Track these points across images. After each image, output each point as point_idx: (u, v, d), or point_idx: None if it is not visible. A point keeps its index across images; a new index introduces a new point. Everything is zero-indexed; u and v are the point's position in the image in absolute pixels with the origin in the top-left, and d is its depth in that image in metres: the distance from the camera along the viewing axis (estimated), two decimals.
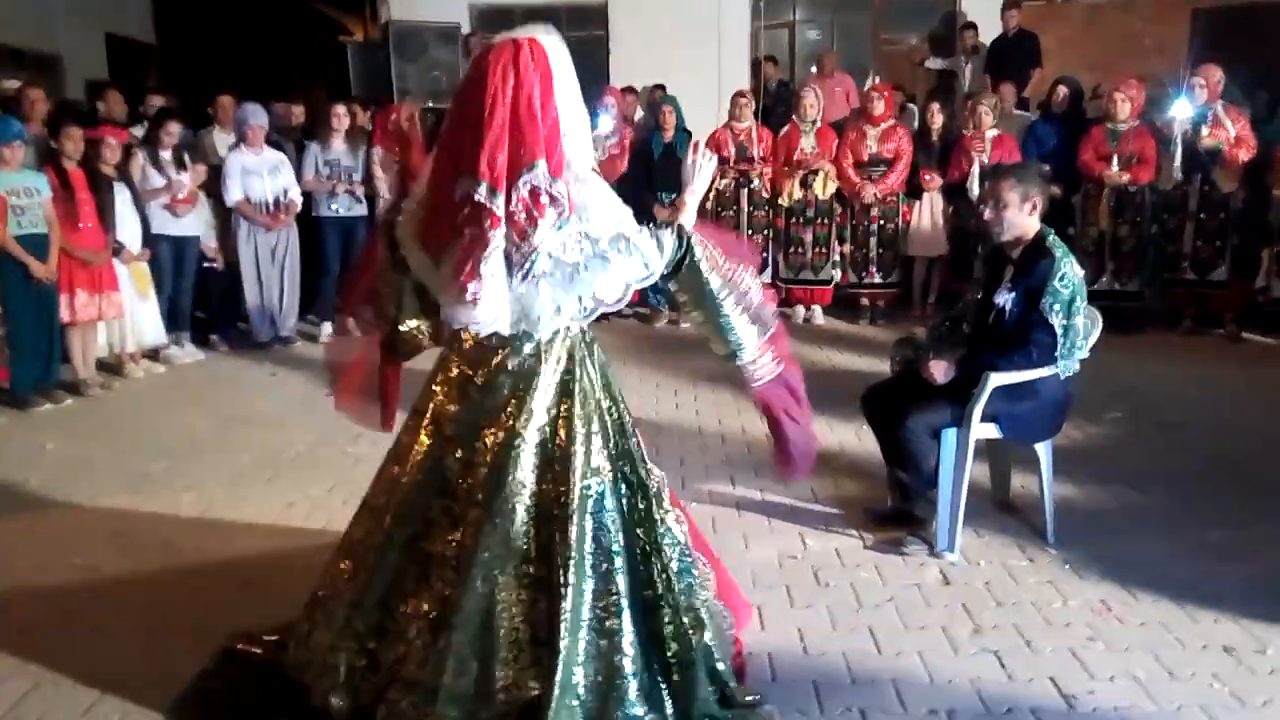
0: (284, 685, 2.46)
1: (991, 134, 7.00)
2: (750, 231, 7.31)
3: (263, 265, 6.64)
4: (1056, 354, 3.28)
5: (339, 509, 3.84)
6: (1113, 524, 3.68)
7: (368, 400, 2.55)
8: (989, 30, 9.28)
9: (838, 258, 7.42)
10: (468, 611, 2.18)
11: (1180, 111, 6.66)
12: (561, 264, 2.14)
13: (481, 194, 2.07)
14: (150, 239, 6.05)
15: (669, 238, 2.28)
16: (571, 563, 2.18)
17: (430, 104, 9.40)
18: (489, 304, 2.14)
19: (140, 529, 3.73)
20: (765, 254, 7.39)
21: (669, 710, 2.29)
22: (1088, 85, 7.81)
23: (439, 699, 2.16)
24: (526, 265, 2.12)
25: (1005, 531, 3.59)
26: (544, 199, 2.08)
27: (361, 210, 7.00)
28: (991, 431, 3.42)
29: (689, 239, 2.31)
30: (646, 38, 9.85)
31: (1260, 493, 3.94)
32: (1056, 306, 3.25)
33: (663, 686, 2.30)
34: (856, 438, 4.52)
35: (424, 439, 2.33)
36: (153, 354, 6.18)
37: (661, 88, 8.37)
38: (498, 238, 2.09)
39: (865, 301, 7.47)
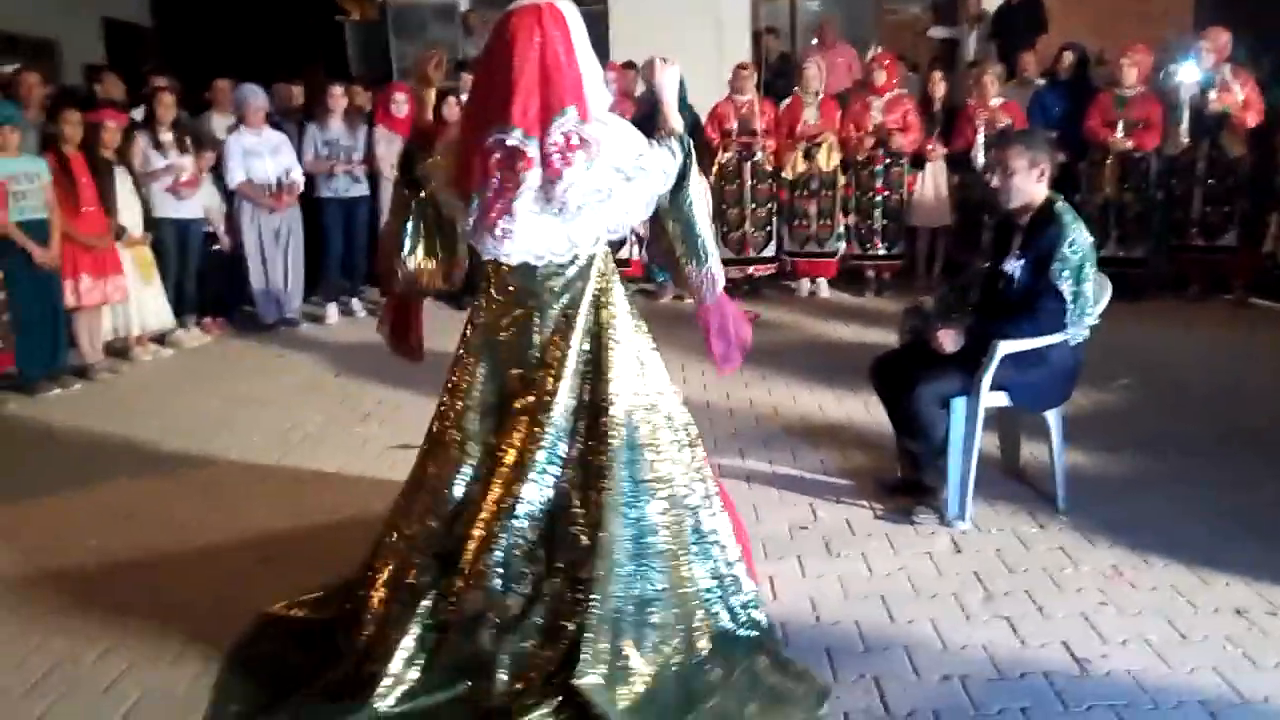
0: (327, 646, 2.56)
1: (996, 102, 6.95)
2: (754, 205, 7.27)
3: (266, 247, 6.63)
4: (1065, 320, 3.27)
5: (349, 487, 3.86)
6: (1123, 490, 3.68)
7: (400, 339, 2.79)
8: None
9: (842, 230, 7.38)
10: (529, 501, 2.39)
11: (1187, 76, 6.60)
12: (597, 193, 2.36)
13: (516, 139, 2.26)
14: (153, 222, 6.04)
15: (675, 144, 2.52)
16: (612, 449, 2.42)
17: None
18: (519, 238, 2.36)
19: (153, 510, 3.75)
20: (770, 227, 7.36)
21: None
22: (1093, 51, 7.74)
23: (505, 585, 2.37)
24: (563, 200, 2.33)
25: (1016, 499, 3.59)
26: (575, 141, 2.29)
27: (362, 190, 6.99)
28: (1001, 400, 3.41)
29: (688, 142, 2.55)
30: (646, 12, 9.72)
31: (1270, 456, 3.93)
32: (1065, 273, 3.23)
33: (688, 569, 2.50)
34: (865, 409, 4.52)
35: (480, 368, 2.53)
36: (160, 338, 6.18)
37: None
38: (531, 178, 2.29)
39: (870, 274, 7.44)
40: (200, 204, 6.36)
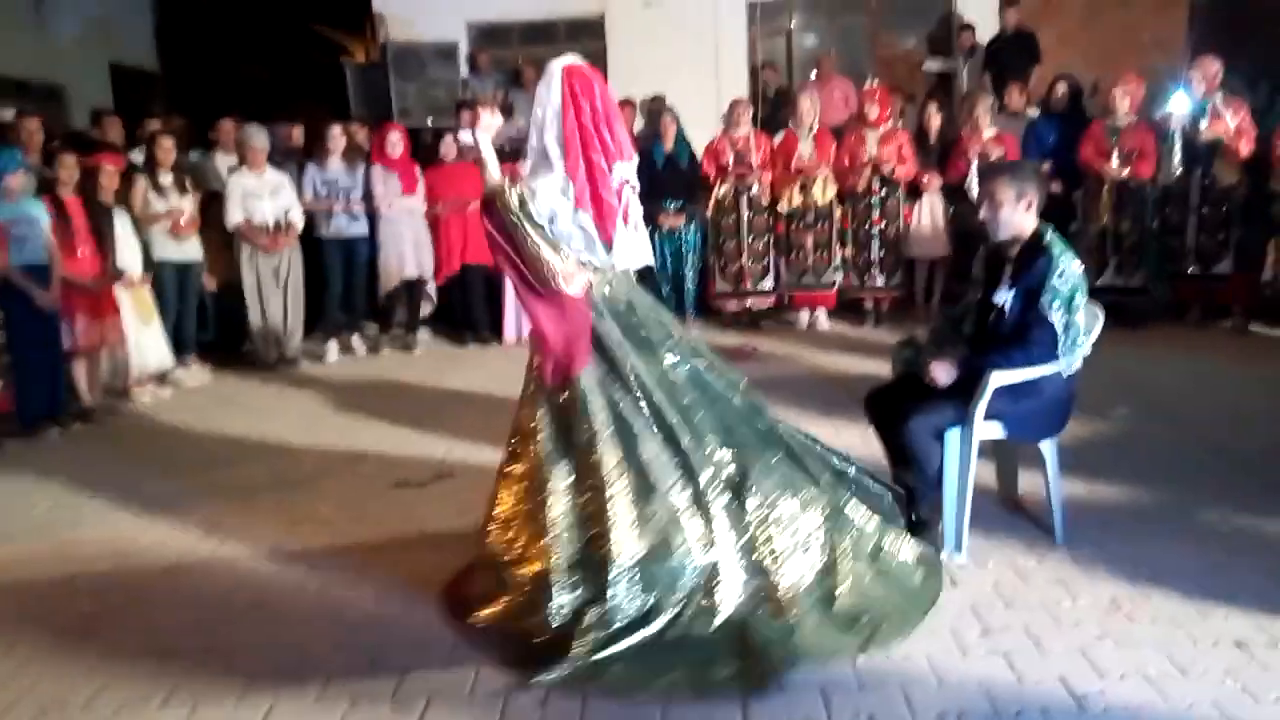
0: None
1: (989, 133, 7.00)
2: (751, 238, 7.31)
3: (265, 287, 6.67)
4: (1058, 351, 3.26)
5: (346, 528, 3.84)
6: (1121, 521, 3.65)
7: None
8: (987, 28, 9.27)
9: (839, 262, 7.40)
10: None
11: (1178, 105, 6.64)
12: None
13: (630, 176, 3.02)
14: (152, 265, 6.08)
15: None
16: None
17: (430, 121, 9.46)
18: (638, 245, 3.12)
19: (149, 551, 3.74)
20: (767, 260, 7.39)
21: None
22: (1087, 81, 7.80)
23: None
24: (639, 216, 3.13)
25: (1013, 532, 3.56)
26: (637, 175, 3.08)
27: (361, 229, 7.02)
28: (996, 431, 3.40)
29: None
30: (644, 48, 9.87)
31: (1269, 485, 3.89)
32: (1056, 303, 3.23)
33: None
34: (862, 441, 4.48)
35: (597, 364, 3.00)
36: (160, 378, 6.20)
37: (661, 98, 8.41)
38: (634, 199, 3.07)
39: (868, 305, 7.45)
40: (198, 245, 6.41)
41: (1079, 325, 3.29)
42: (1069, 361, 3.31)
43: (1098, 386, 4.08)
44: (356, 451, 4.85)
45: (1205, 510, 3.69)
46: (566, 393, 2.96)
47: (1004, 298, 3.37)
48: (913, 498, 3.50)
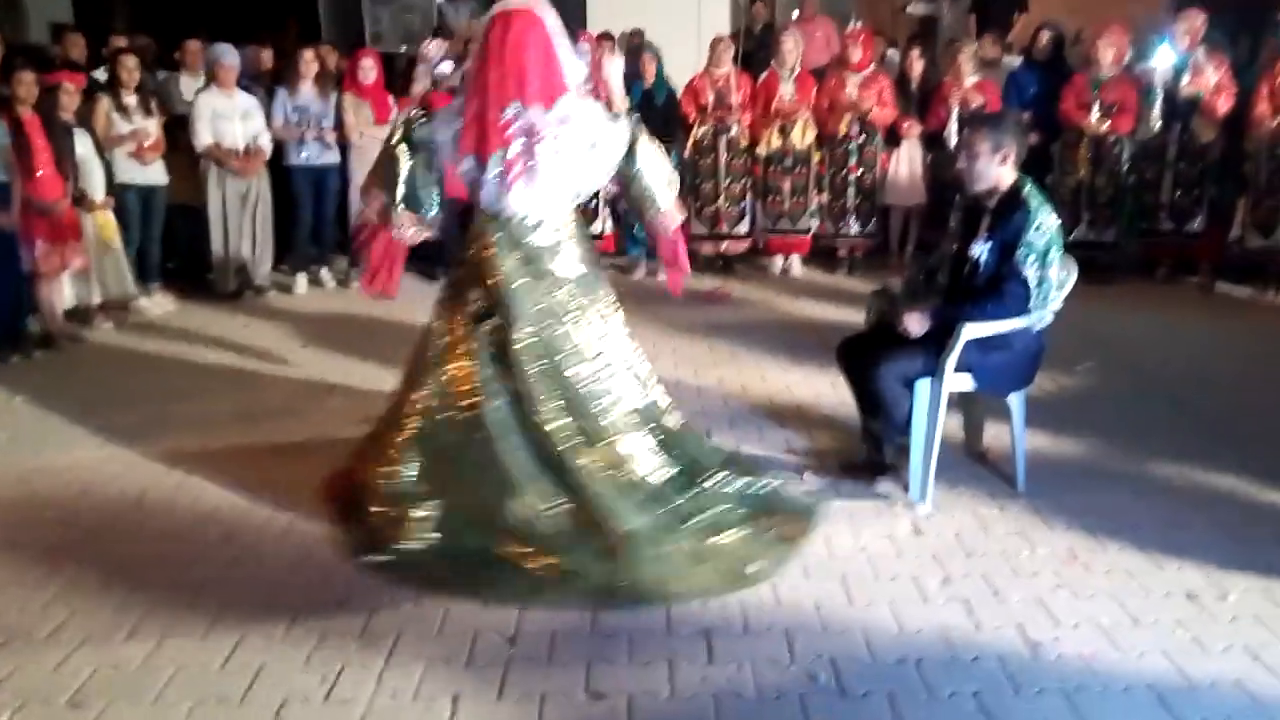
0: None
1: (971, 81, 6.94)
2: (729, 180, 7.24)
3: (232, 213, 6.51)
4: (1030, 305, 3.28)
5: (314, 463, 3.81)
6: (1083, 473, 3.72)
7: (389, 269, 3.35)
8: None
9: (815, 207, 7.36)
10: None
11: (1161, 60, 6.61)
12: (577, 161, 3.05)
13: (533, 115, 2.96)
14: (115, 188, 5.92)
15: (625, 122, 3.18)
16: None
17: (404, 48, 9.22)
18: (531, 196, 3.02)
19: (114, 483, 3.70)
20: (744, 203, 7.33)
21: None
22: (1071, 31, 7.73)
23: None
24: (559, 167, 3.01)
25: (977, 482, 3.62)
26: (570, 119, 2.99)
27: (333, 158, 6.86)
28: (965, 383, 3.43)
29: (634, 118, 3.23)
30: None
31: (1226, 442, 3.99)
32: (1031, 257, 3.24)
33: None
34: (832, 389, 4.53)
35: (468, 309, 3.11)
36: (124, 306, 6.08)
37: (640, 33, 8.23)
38: (543, 147, 2.96)
39: (843, 252, 7.43)
40: (163, 169, 6.24)
41: (1052, 280, 3.31)
42: (1040, 316, 3.34)
43: (1065, 340, 4.11)
44: (325, 385, 4.81)
45: (1164, 464, 3.77)
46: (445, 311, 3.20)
47: (980, 250, 3.38)
48: (880, 446, 3.55)
